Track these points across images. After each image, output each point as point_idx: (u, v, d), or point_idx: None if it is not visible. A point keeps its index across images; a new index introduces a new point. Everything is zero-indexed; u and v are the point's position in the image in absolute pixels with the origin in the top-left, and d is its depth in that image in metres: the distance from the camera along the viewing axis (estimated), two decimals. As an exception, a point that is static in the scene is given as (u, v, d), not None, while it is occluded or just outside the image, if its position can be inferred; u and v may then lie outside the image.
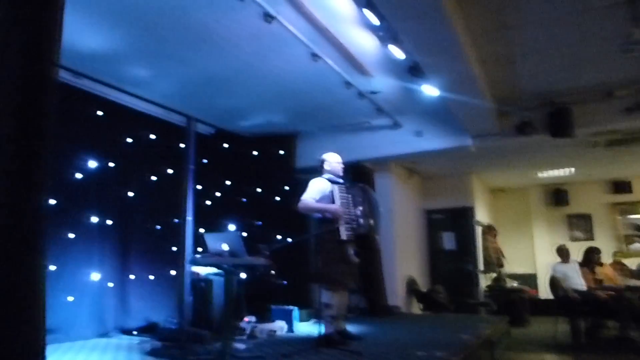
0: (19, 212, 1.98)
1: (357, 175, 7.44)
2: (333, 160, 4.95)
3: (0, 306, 1.93)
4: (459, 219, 9.93)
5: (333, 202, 4.60)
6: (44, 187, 2.08)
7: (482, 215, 10.49)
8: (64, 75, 5.22)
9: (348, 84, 6.12)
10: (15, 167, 1.95)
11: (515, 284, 9.70)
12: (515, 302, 8.86)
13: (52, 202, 5.06)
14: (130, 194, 6.30)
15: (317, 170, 5.03)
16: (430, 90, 5.90)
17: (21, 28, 1.93)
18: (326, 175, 4.88)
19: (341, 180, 4.87)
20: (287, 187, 7.98)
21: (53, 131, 2.12)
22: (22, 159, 1.97)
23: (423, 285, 9.32)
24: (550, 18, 4.83)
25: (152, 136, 6.74)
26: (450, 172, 9.86)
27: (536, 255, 11.23)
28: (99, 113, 6.02)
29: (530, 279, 10.68)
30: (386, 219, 7.34)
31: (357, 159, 7.85)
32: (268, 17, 4.55)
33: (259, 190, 8.16)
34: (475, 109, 6.29)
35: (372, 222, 4.68)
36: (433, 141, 7.60)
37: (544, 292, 9.19)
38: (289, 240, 6.65)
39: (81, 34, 4.87)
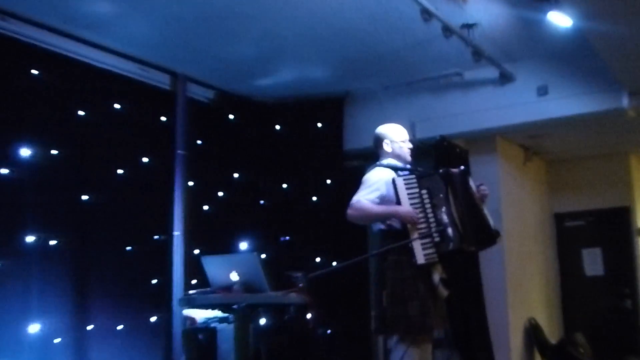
0: None
1: (441, 159, 7.34)
2: (396, 137, 4.98)
3: None
4: (610, 228, 9.75)
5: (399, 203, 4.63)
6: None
7: (648, 221, 10.20)
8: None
9: (427, 15, 6.00)
10: None
11: None
12: None
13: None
14: (85, 197, 6.32)
15: (372, 153, 5.04)
16: (560, 19, 5.78)
17: None
18: (386, 161, 4.90)
19: (408, 168, 4.89)
20: (329, 182, 7.99)
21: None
22: None
23: (551, 332, 9.24)
24: None
25: (118, 106, 6.77)
26: (595, 152, 9.70)
27: None
28: (34, 72, 6.04)
29: None
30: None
31: (441, 133, 7.76)
32: None
33: (285, 186, 8.16)
34: (638, 48, 6.09)
35: (466, 229, 4.63)
36: (565, 102, 7.41)
37: None
38: (335, 264, 6.62)
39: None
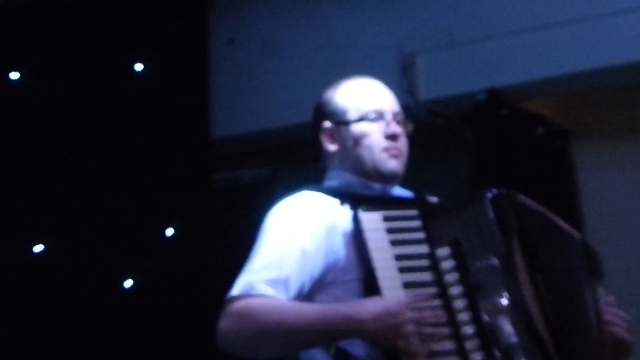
0: None
1: (490, 159, 4.65)
2: (352, 108, 2.68)
3: None
4: None
5: (370, 290, 2.26)
6: None
7: None
8: None
9: None
10: None
11: None
12: None
13: None
14: None
15: (312, 154, 2.78)
16: None
17: None
18: (335, 181, 2.60)
19: (398, 195, 2.62)
20: (172, 232, 4.58)
21: None
22: None
23: None
24: None
25: None
26: None
27: None
28: None
29: None
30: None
31: (489, 85, 4.50)
32: None
33: (41, 248, 4.23)
34: None
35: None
36: None
37: None
38: None
39: None
